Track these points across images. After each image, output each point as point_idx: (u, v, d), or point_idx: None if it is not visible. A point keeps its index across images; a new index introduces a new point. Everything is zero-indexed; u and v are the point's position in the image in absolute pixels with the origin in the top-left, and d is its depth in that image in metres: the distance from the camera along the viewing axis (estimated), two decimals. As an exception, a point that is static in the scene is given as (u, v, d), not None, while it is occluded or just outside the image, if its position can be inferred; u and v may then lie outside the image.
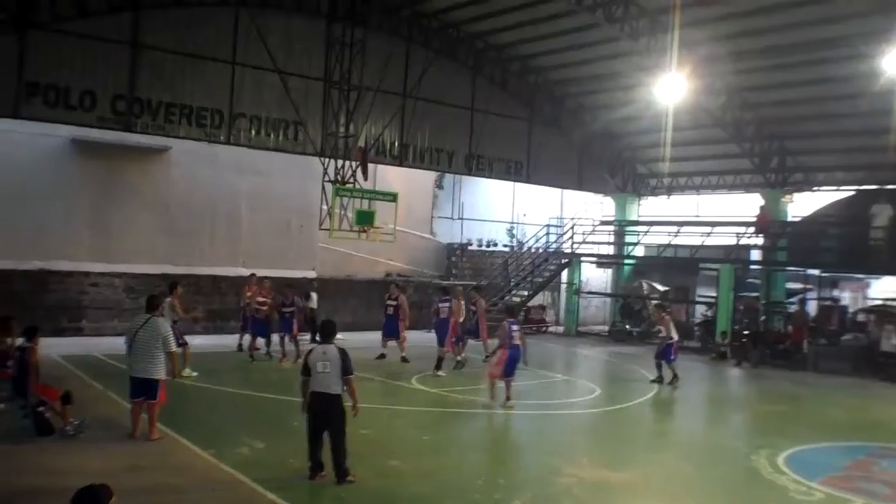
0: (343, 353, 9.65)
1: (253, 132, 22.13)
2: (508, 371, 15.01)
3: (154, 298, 12.12)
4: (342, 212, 22.11)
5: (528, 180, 28.81)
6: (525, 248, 33.02)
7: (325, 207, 22.27)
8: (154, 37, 20.29)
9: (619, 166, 30.87)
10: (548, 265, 31.20)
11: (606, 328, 30.95)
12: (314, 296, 23.17)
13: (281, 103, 22.43)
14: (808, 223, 26.81)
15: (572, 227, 31.55)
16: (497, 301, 29.73)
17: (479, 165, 26.88)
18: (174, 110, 20.78)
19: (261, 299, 19.63)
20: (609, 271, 32.52)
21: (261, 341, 19.74)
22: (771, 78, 23.41)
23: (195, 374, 16.26)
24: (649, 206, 32.11)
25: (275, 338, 19.63)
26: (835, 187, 26.53)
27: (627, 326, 29.15)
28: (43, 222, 21.80)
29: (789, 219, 27.30)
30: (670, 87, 21.20)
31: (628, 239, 31.37)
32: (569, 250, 31.04)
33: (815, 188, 26.80)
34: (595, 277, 32.97)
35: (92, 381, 15.38)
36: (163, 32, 20.37)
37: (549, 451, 12.45)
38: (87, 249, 22.60)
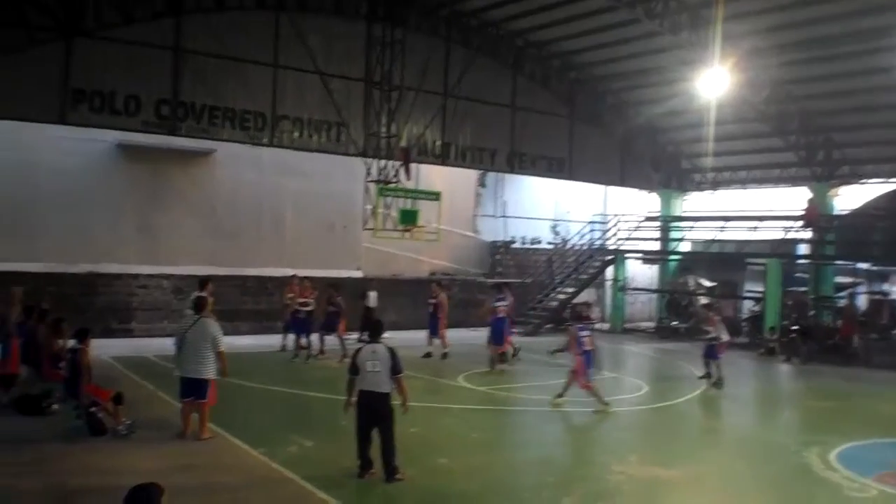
0: (392, 351, 9.67)
1: (296, 134, 22.23)
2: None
3: (201, 299, 12.29)
4: (386, 211, 22.19)
5: (569, 177, 28.57)
6: (569, 245, 32.83)
7: (368, 207, 22.36)
8: (196, 41, 20.46)
9: (663, 162, 30.52)
10: (592, 262, 30.96)
11: (653, 325, 30.72)
12: (372, 294, 23.16)
13: (323, 105, 22.47)
14: (855, 216, 26.37)
15: (616, 224, 31.34)
16: (542, 298, 29.65)
17: (521, 163, 26.72)
18: (217, 113, 20.94)
19: (302, 300, 19.79)
20: (654, 267, 32.19)
21: (309, 340, 19.86)
22: (814, 70, 23.03)
23: None
24: (694, 202, 31.73)
25: (314, 336, 19.78)
26: (883, 179, 26.03)
27: (674, 323, 28.85)
28: (91, 226, 22.25)
29: (836, 212, 26.86)
30: (713, 82, 20.88)
31: (673, 235, 31.04)
32: (613, 247, 30.81)
33: (862, 180, 26.31)
34: (640, 273, 32.65)
35: (143, 382, 15.63)
36: (204, 37, 20.53)
37: (598, 449, 12.39)
38: (135, 252, 22.99)
